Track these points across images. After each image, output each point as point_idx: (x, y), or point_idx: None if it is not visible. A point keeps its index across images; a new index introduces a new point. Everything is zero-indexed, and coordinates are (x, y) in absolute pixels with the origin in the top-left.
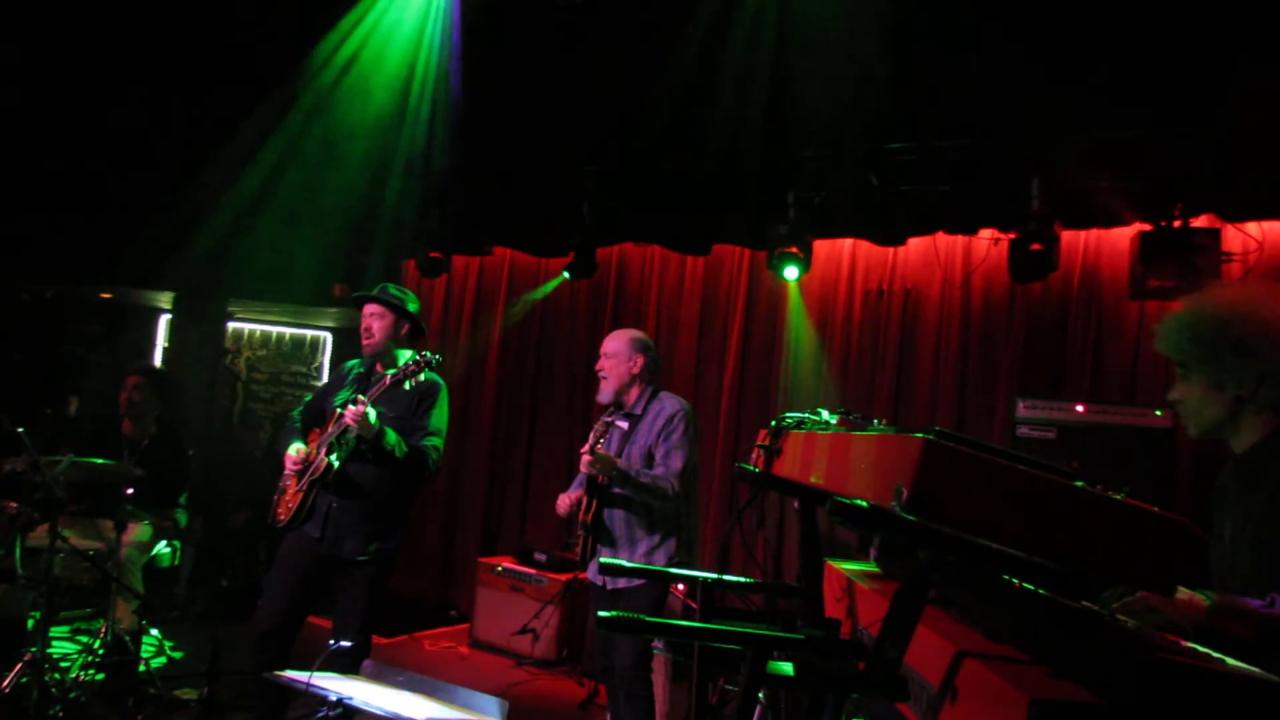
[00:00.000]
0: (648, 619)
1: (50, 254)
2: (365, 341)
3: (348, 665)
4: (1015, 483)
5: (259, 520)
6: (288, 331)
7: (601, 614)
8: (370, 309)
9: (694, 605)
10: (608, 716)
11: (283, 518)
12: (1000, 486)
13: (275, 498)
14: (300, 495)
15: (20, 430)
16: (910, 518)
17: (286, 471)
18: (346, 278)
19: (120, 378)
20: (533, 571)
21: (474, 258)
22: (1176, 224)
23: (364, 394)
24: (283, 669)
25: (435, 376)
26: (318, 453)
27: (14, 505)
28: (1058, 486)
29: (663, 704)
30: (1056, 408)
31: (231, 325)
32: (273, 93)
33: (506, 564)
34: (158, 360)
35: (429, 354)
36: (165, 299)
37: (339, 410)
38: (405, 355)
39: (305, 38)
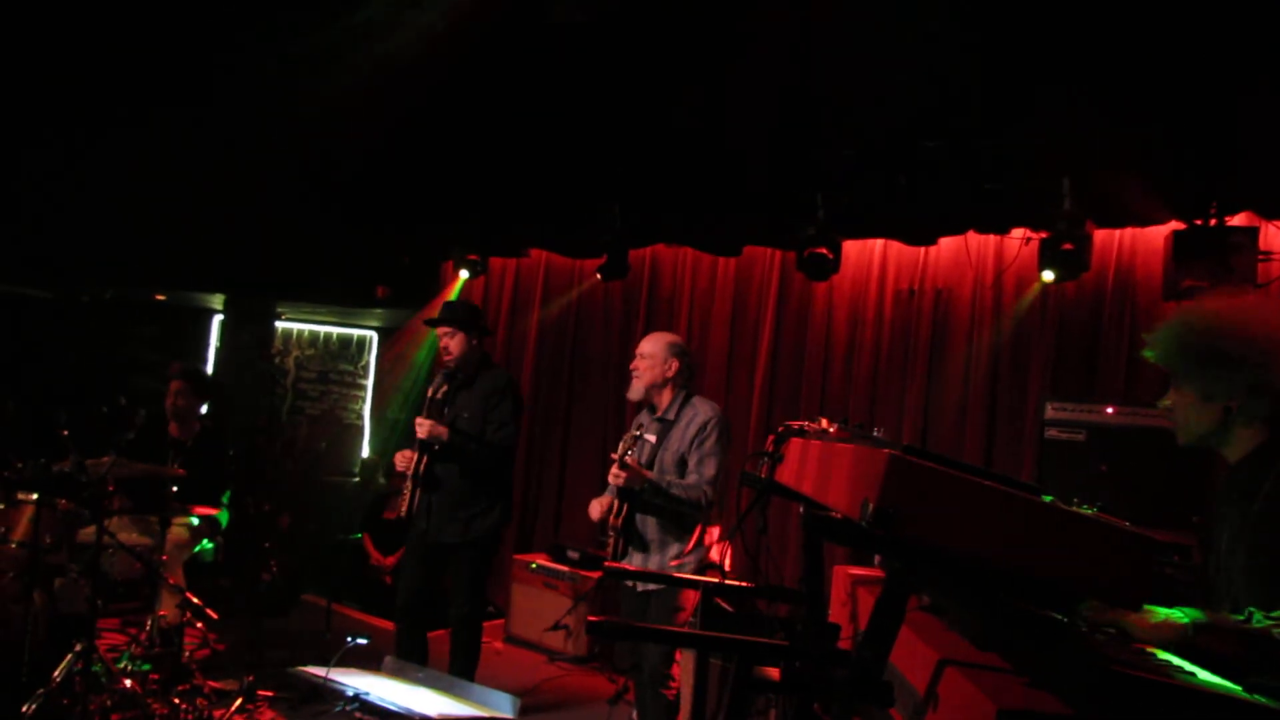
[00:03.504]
0: (635, 625)
1: (107, 257)
2: (445, 359)
3: (467, 634)
4: (979, 498)
5: (299, 522)
6: (335, 331)
7: (590, 620)
8: (442, 330)
9: (729, 609)
10: (634, 713)
11: (403, 513)
12: (965, 501)
13: (401, 496)
14: (408, 494)
15: (66, 433)
16: (876, 530)
17: (399, 468)
18: (388, 279)
19: (167, 381)
20: (566, 569)
21: (510, 259)
22: (1212, 222)
23: (433, 402)
24: (422, 638)
25: (500, 372)
26: (416, 456)
27: (65, 503)
28: (1023, 502)
29: (690, 704)
30: (1086, 409)
31: (280, 325)
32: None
33: (541, 561)
34: (210, 360)
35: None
36: (217, 300)
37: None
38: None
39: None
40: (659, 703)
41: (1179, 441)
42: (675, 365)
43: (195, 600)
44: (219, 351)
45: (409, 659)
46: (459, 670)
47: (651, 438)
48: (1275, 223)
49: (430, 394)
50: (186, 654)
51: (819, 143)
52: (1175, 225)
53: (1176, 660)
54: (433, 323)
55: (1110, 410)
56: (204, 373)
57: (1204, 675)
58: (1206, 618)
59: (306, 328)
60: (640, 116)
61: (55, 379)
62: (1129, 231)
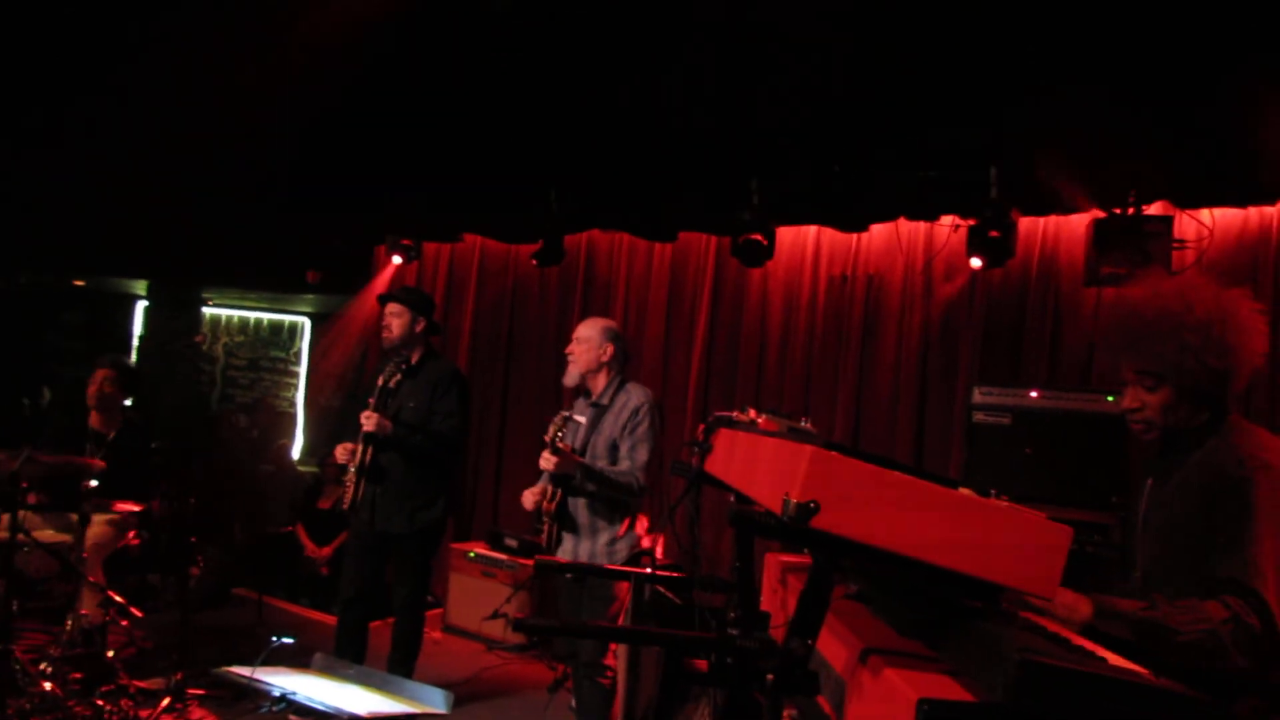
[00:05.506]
0: (564, 622)
1: (21, 240)
2: (384, 336)
3: (408, 623)
4: (897, 492)
5: (229, 513)
6: (265, 317)
7: (517, 618)
8: (391, 308)
9: (676, 600)
10: (572, 701)
11: (345, 505)
12: (883, 495)
13: (344, 487)
14: (353, 485)
15: None
16: (798, 525)
17: (340, 461)
18: (319, 264)
19: (91, 369)
20: (504, 557)
21: (445, 244)
22: (1130, 211)
23: (384, 391)
24: (364, 630)
25: (446, 363)
26: (360, 447)
27: None
28: (939, 495)
29: (625, 692)
30: (1011, 394)
31: (208, 311)
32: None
33: (479, 550)
34: (134, 347)
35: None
36: (141, 286)
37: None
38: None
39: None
40: (596, 691)
41: (1148, 437)
42: (610, 350)
43: (118, 598)
44: (143, 339)
45: (350, 651)
46: (399, 659)
47: (581, 419)
48: (1189, 211)
49: (381, 383)
50: (110, 653)
51: (754, 130)
52: (1096, 214)
53: (1091, 646)
54: (386, 298)
55: (1034, 394)
56: (131, 365)
57: (1116, 661)
58: (1108, 603)
59: (235, 314)
60: (575, 101)
61: None
62: (1052, 219)
